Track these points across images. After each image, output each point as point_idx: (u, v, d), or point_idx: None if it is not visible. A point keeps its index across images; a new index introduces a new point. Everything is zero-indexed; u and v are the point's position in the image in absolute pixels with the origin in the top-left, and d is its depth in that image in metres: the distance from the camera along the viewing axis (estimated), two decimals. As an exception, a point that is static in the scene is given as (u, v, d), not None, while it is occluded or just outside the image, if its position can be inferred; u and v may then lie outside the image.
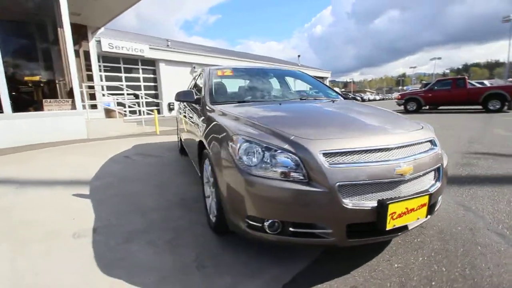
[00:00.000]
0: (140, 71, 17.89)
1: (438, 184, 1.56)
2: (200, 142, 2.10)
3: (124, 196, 2.75)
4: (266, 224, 1.37)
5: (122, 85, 11.81)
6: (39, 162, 4.35)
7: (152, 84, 18.57)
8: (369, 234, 1.37)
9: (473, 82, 13.97)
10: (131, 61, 17.28)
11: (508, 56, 26.28)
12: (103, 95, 9.91)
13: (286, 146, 1.39)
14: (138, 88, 16.96)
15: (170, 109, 18.56)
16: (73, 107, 6.43)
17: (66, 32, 6.09)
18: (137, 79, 17.76)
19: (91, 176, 3.46)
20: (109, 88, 13.09)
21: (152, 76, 18.54)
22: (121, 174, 3.53)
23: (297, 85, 3.24)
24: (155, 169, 3.81)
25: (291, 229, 1.35)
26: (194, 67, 19.72)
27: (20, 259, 1.71)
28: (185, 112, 3.39)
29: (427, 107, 13.49)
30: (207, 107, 2.27)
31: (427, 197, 1.41)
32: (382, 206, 1.29)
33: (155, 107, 16.78)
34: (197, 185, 3.05)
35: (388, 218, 1.30)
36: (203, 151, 2.12)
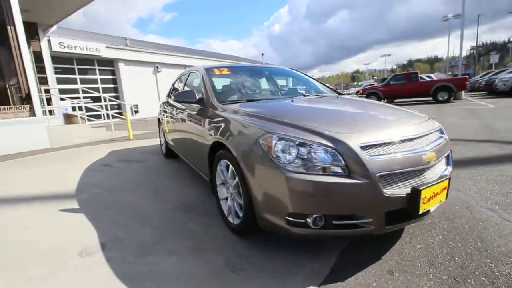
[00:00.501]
0: (97, 72, 16.59)
1: (450, 168, 1.72)
2: (215, 143, 2.04)
3: (120, 207, 2.55)
4: (309, 219, 1.39)
5: (83, 88, 10.86)
6: (6, 177, 3.84)
7: (112, 85, 17.35)
8: (403, 220, 1.46)
9: (423, 76, 15.44)
10: (86, 62, 15.93)
11: (447, 52, 29.50)
12: (62, 99, 9.02)
13: (324, 141, 1.41)
14: (96, 90, 15.71)
15: (134, 111, 17.54)
16: (32, 114, 5.75)
17: (19, 29, 5.40)
18: (94, 81, 16.45)
19: (73, 188, 3.15)
20: (63, 91, 11.95)
21: (111, 77, 17.31)
22: (107, 184, 3.27)
23: (292, 82, 3.29)
24: (144, 175, 3.60)
25: (334, 222, 1.39)
26: (157, 67, 18.87)
27: None
28: (175, 114, 3.25)
29: (385, 100, 14.60)
30: (217, 107, 2.20)
31: (447, 180, 1.54)
32: (416, 192, 1.39)
33: (116, 110, 15.71)
34: (197, 188, 2.95)
35: (421, 203, 1.40)
36: (216, 152, 2.06)
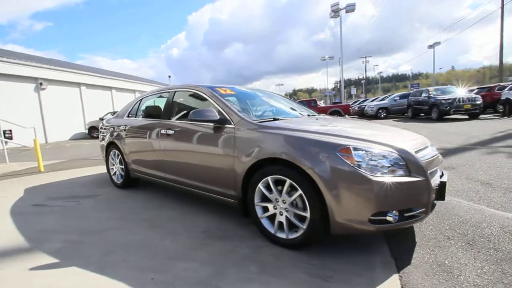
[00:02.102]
0: None
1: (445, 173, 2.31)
2: (256, 162, 2.04)
3: (124, 252, 2.08)
4: (389, 216, 1.65)
5: None
6: None
7: (-32, 105, 12.93)
8: (433, 207, 1.92)
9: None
10: None
11: (326, 84, 36.66)
12: None
13: (389, 149, 1.75)
14: None
15: (7, 137, 13.47)
16: None
17: None
18: None
19: (20, 240, 2.33)
20: None
21: (-34, 94, 12.92)
22: (70, 228, 2.57)
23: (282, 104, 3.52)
24: (115, 210, 3.00)
25: (405, 215, 1.71)
26: (41, 84, 15.43)
27: None
28: (164, 135, 2.91)
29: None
30: (254, 125, 2.22)
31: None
32: (444, 184, 1.88)
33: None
34: (205, 214, 2.72)
35: (444, 193, 1.90)
36: (256, 171, 2.07)
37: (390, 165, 1.71)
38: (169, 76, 32.54)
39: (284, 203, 1.98)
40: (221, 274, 1.74)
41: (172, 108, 3.06)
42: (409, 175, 1.72)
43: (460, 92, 12.91)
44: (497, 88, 13.73)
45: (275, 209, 2.05)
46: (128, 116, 3.79)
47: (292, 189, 1.92)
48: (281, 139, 1.99)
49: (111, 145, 3.94)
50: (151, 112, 3.36)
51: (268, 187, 2.06)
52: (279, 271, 1.74)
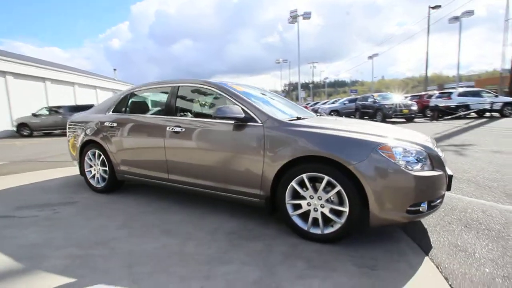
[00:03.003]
0: None
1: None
2: (297, 158, 2.07)
3: (148, 261, 1.90)
4: (423, 206, 1.86)
5: None
6: None
7: None
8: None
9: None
10: None
11: (280, 86, 37.94)
12: None
13: (419, 147, 1.96)
14: None
15: None
16: None
17: None
18: None
19: (8, 261, 1.93)
20: None
21: None
22: (63, 241, 2.23)
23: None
24: (109, 218, 2.67)
25: (432, 204, 1.93)
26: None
27: None
28: (170, 132, 2.69)
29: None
30: (286, 123, 2.24)
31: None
32: (451, 177, 2.18)
33: None
34: (216, 215, 2.62)
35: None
36: (287, 170, 2.11)
37: (421, 161, 1.92)
38: (115, 70, 29.84)
39: (320, 199, 2.04)
40: (272, 273, 1.72)
41: (176, 104, 2.85)
42: (433, 169, 1.96)
43: (399, 98, 14.82)
44: (425, 96, 16.15)
45: (309, 206, 2.10)
46: (113, 112, 3.39)
47: (327, 185, 2.00)
48: (319, 137, 2.06)
49: (88, 144, 3.47)
50: (146, 108, 3.07)
51: (301, 185, 2.10)
52: (327, 265, 1.80)
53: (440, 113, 14.10)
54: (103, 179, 3.40)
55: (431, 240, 2.10)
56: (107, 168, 3.32)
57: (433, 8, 23.69)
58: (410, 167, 1.85)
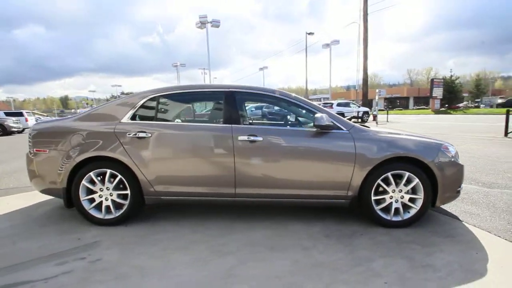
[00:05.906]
0: None
1: None
2: (385, 161, 2.47)
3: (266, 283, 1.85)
4: (460, 188, 2.66)
5: None
6: None
7: None
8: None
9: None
10: None
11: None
12: None
13: (452, 145, 2.77)
14: None
15: None
16: None
17: None
18: None
19: None
20: None
21: None
22: None
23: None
24: (190, 252, 2.21)
25: (458, 189, 2.75)
26: None
27: None
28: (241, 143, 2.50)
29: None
30: (367, 131, 2.61)
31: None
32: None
33: None
34: (296, 221, 2.65)
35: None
36: (377, 170, 2.51)
37: (457, 154, 2.73)
38: None
39: (400, 191, 2.54)
40: (410, 259, 2.06)
41: (239, 111, 2.67)
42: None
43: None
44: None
45: (391, 198, 2.56)
46: (138, 119, 2.68)
47: (399, 179, 2.54)
48: (404, 141, 2.58)
49: (89, 163, 2.60)
50: (190, 115, 2.67)
51: (385, 181, 2.53)
52: (404, 252, 2.30)
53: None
54: (119, 206, 2.65)
55: (453, 210, 2.96)
56: (128, 192, 2.61)
57: (309, 34, 29.91)
58: (457, 160, 2.63)
